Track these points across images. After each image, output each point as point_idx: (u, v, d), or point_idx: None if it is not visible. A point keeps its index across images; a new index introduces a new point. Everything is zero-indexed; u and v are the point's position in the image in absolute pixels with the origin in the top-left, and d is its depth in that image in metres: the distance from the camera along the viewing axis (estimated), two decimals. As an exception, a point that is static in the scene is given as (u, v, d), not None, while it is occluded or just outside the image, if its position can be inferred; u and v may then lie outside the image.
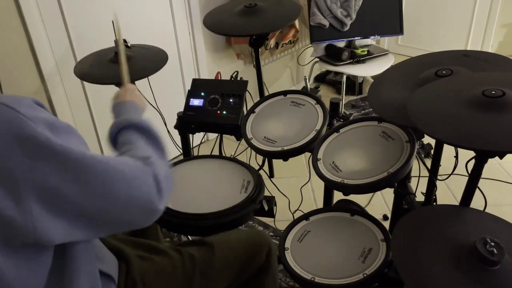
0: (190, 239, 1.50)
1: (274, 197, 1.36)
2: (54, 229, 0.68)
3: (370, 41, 2.95)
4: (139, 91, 1.18)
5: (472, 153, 1.01)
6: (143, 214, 0.77)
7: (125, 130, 0.91)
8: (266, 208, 1.31)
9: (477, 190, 1.10)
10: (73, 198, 0.68)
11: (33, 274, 0.72)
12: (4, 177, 0.64)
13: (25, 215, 0.65)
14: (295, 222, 1.27)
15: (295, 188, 2.02)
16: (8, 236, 0.66)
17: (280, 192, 1.97)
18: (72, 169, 0.68)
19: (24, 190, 0.65)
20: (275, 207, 1.36)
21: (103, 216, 0.73)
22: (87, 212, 0.71)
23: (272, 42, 2.66)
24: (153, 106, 1.98)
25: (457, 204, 1.12)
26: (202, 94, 1.58)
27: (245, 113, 1.51)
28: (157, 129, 0.92)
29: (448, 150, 1.25)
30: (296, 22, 2.70)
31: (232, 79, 1.80)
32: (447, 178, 1.38)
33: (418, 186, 1.37)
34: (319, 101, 1.44)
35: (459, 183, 1.18)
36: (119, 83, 1.24)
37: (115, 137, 0.92)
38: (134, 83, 1.27)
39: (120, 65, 1.25)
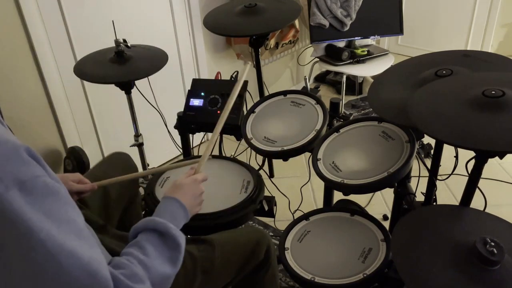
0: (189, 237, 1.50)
1: (274, 197, 1.36)
2: None
3: (370, 41, 2.95)
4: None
5: (472, 153, 1.01)
6: None
7: (152, 233, 0.83)
8: (266, 208, 1.31)
9: (477, 190, 1.10)
10: (22, 276, 0.61)
11: None
12: None
13: None
14: (295, 222, 1.27)
15: (295, 188, 2.02)
16: None
17: (280, 192, 1.97)
18: (25, 242, 0.60)
19: None
20: (275, 207, 1.36)
21: None
22: None
23: (272, 42, 2.66)
24: (153, 106, 1.98)
25: (457, 204, 1.12)
26: (202, 94, 1.58)
27: (245, 113, 1.51)
28: (183, 247, 0.85)
29: (448, 150, 1.25)
30: (296, 22, 2.69)
31: (232, 79, 1.81)
32: (447, 178, 1.38)
33: (418, 186, 1.37)
34: (319, 101, 1.44)
35: (459, 183, 1.18)
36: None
37: (138, 231, 0.85)
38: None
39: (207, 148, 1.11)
